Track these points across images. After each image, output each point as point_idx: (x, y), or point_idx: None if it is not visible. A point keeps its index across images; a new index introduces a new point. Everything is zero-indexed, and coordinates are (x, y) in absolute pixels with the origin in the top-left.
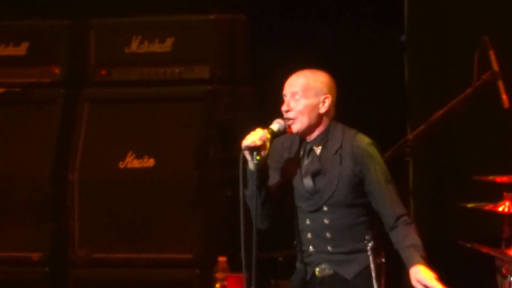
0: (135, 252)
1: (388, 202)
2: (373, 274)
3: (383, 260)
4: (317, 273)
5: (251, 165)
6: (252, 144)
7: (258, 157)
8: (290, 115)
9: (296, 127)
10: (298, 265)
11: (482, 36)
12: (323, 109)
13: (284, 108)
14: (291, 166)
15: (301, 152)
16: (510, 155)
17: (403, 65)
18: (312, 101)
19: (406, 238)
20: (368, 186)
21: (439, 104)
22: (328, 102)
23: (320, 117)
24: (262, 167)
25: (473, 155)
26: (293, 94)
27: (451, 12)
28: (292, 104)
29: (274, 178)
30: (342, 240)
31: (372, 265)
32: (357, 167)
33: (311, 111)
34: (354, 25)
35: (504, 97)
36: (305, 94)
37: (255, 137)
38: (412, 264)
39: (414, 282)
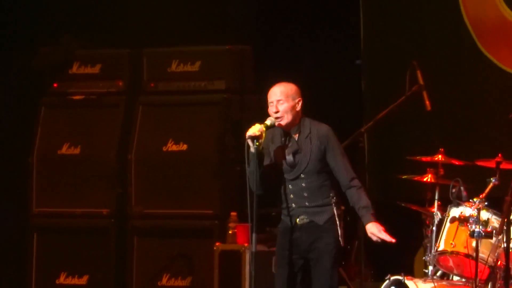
0: (174, 208)
1: (343, 168)
2: (337, 220)
3: (342, 210)
4: (297, 221)
5: (252, 149)
6: (253, 134)
7: (257, 144)
8: (278, 115)
9: (283, 122)
10: (283, 217)
11: (412, 60)
12: (298, 108)
13: (273, 110)
14: (277, 151)
15: (283, 139)
16: (431, 142)
17: (360, 81)
18: (291, 103)
19: (360, 200)
20: (329, 158)
21: (383, 107)
22: (300, 103)
23: (297, 114)
24: (260, 150)
25: (406, 142)
26: (278, 101)
27: (392, 43)
28: (279, 107)
29: (265, 160)
30: (315, 197)
31: (335, 214)
32: (322, 145)
33: (292, 110)
34: (328, 51)
35: (427, 102)
36: (286, 100)
37: (255, 129)
38: (367, 222)
39: (369, 234)
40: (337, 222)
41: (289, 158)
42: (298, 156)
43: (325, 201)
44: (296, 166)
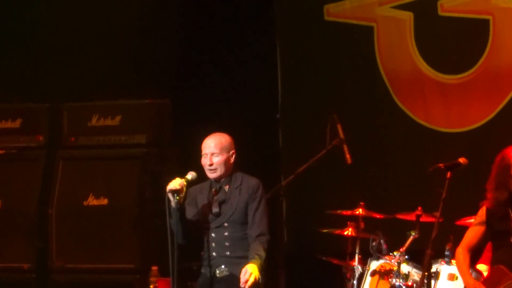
0: (95, 263)
1: (258, 222)
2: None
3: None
4: (217, 274)
5: (173, 203)
6: (174, 188)
7: (178, 198)
8: (212, 167)
9: (216, 174)
10: (203, 269)
11: (333, 114)
12: (232, 160)
13: (207, 162)
14: (203, 201)
15: (212, 190)
16: (351, 195)
17: (278, 136)
18: (225, 156)
19: (257, 249)
20: (249, 208)
21: (302, 160)
22: (234, 156)
23: (230, 166)
24: (181, 204)
25: (326, 196)
26: (212, 154)
27: (310, 97)
28: (213, 159)
29: (189, 211)
30: (236, 248)
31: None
32: (249, 197)
33: (226, 163)
34: (248, 105)
35: (348, 156)
36: (221, 153)
37: (176, 183)
38: (250, 261)
39: (243, 270)
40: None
41: (215, 207)
42: (224, 205)
43: (246, 253)
44: (221, 215)
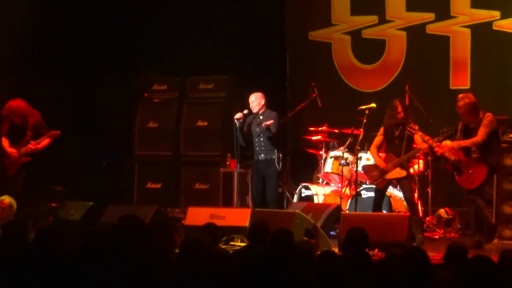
0: (202, 151)
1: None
2: (276, 158)
3: (281, 155)
4: (260, 158)
5: (237, 125)
6: (237, 118)
7: (239, 122)
8: (252, 107)
9: (255, 110)
10: (254, 155)
11: (312, 83)
12: (262, 103)
13: (251, 106)
14: (253, 124)
15: (255, 118)
16: (321, 120)
17: (286, 91)
18: (258, 101)
19: None
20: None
21: (297, 103)
22: (263, 102)
23: (262, 106)
24: (241, 126)
25: (309, 120)
26: (252, 102)
27: (303, 75)
28: (252, 104)
29: (247, 128)
30: (267, 145)
31: (276, 155)
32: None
33: (258, 105)
34: (271, 81)
35: (319, 103)
36: (255, 100)
37: (238, 115)
38: None
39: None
40: (277, 159)
41: (256, 127)
42: (260, 125)
43: (272, 147)
44: (259, 130)
